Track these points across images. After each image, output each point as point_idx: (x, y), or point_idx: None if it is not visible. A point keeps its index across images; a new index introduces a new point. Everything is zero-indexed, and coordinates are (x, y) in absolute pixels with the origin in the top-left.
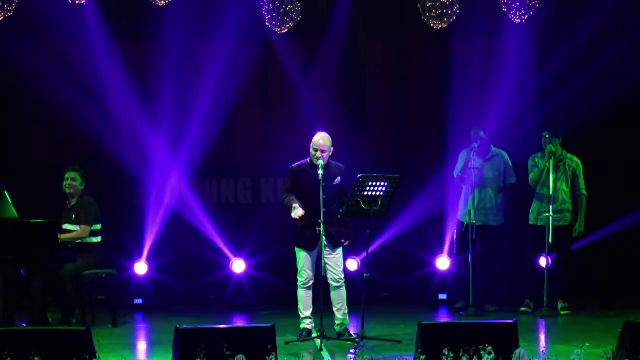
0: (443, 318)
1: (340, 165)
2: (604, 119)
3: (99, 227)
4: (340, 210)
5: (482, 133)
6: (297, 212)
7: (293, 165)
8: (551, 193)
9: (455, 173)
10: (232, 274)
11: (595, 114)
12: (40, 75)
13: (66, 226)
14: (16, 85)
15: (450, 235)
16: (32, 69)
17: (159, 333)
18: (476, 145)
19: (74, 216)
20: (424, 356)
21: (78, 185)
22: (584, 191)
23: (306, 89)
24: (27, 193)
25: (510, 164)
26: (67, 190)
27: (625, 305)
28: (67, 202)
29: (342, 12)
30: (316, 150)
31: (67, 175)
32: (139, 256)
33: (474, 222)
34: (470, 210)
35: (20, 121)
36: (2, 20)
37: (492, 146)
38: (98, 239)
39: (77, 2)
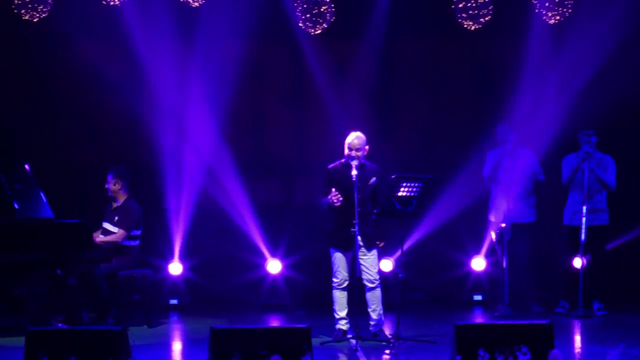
0: (478, 319)
1: (375, 166)
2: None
3: (138, 232)
4: (375, 211)
5: (509, 131)
6: (334, 197)
7: (329, 166)
8: (585, 193)
9: (485, 173)
10: (267, 274)
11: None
12: (76, 76)
13: (106, 225)
14: (55, 85)
15: (487, 236)
16: (71, 69)
17: (194, 333)
18: (509, 146)
19: (116, 218)
20: (459, 357)
21: (114, 187)
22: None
23: (341, 89)
24: (68, 193)
25: (538, 162)
26: (109, 192)
27: None
28: (113, 201)
29: (376, 14)
30: (350, 150)
31: (107, 178)
32: (174, 257)
33: (508, 222)
34: (503, 211)
35: (60, 121)
36: (39, 20)
37: (520, 145)
38: (136, 242)
39: (111, 2)
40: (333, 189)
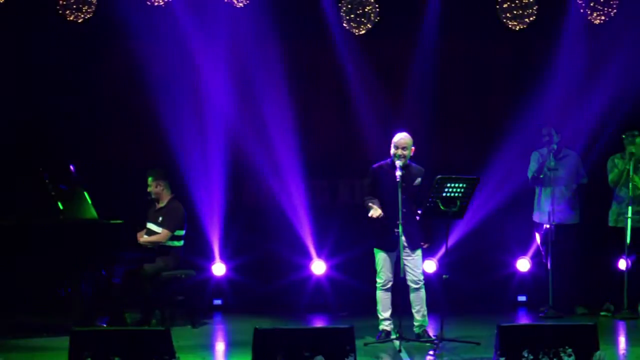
0: (522, 320)
1: (421, 167)
2: None
3: (181, 232)
4: (419, 212)
5: (553, 132)
6: (374, 212)
7: (373, 166)
8: (630, 194)
9: (530, 174)
10: (311, 275)
11: None
12: (119, 77)
13: (150, 225)
14: (99, 87)
15: (532, 237)
16: (115, 70)
17: (237, 334)
18: (555, 147)
19: (160, 218)
20: (503, 358)
21: (156, 189)
22: None
23: (386, 89)
24: (112, 193)
25: (582, 164)
26: (152, 195)
27: None
28: (157, 202)
29: (424, 14)
30: (397, 148)
31: (148, 180)
32: (216, 257)
33: (552, 222)
34: (548, 211)
35: (104, 122)
36: (85, 21)
37: (564, 146)
38: (180, 243)
39: (155, 3)
40: (371, 204)
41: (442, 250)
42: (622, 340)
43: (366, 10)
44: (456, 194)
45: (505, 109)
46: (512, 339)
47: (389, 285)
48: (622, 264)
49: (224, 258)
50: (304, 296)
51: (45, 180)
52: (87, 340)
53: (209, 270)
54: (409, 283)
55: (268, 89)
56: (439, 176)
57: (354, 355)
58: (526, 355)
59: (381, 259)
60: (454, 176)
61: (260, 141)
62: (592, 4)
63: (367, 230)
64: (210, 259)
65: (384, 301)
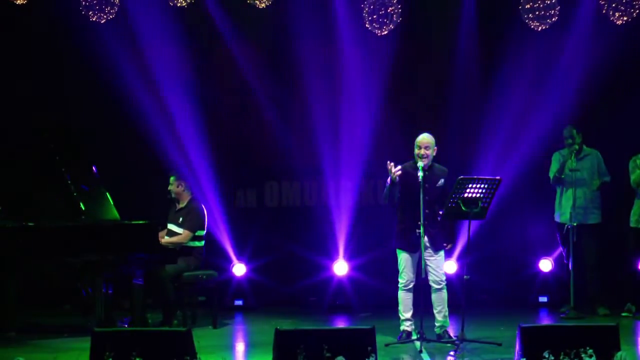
0: (544, 321)
1: (444, 168)
2: None
3: (202, 232)
4: (441, 212)
5: (574, 132)
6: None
7: None
8: None
9: (551, 174)
10: (333, 275)
11: None
12: (141, 78)
13: (171, 226)
14: (120, 87)
15: (554, 238)
16: (136, 71)
17: (258, 334)
18: (577, 147)
19: (180, 219)
20: (524, 359)
21: (177, 189)
22: None
23: (410, 90)
24: (134, 194)
25: (603, 163)
26: (172, 195)
27: None
28: (177, 203)
29: (444, 14)
30: (419, 148)
31: (170, 180)
32: (239, 258)
33: (574, 223)
34: (570, 212)
35: (125, 122)
36: (104, 23)
37: (584, 145)
38: (201, 243)
39: (178, 4)
40: (389, 162)
41: (463, 251)
42: None
43: (389, 11)
44: (478, 195)
45: (530, 109)
46: (534, 339)
47: (410, 286)
48: None
49: (244, 259)
50: (326, 297)
51: (67, 181)
52: (108, 340)
53: (230, 271)
54: (431, 284)
55: (291, 90)
56: (460, 177)
57: (375, 356)
58: (547, 356)
59: (403, 259)
60: (475, 177)
61: (279, 142)
62: (614, 5)
63: (390, 231)
64: (233, 260)
65: (405, 301)
